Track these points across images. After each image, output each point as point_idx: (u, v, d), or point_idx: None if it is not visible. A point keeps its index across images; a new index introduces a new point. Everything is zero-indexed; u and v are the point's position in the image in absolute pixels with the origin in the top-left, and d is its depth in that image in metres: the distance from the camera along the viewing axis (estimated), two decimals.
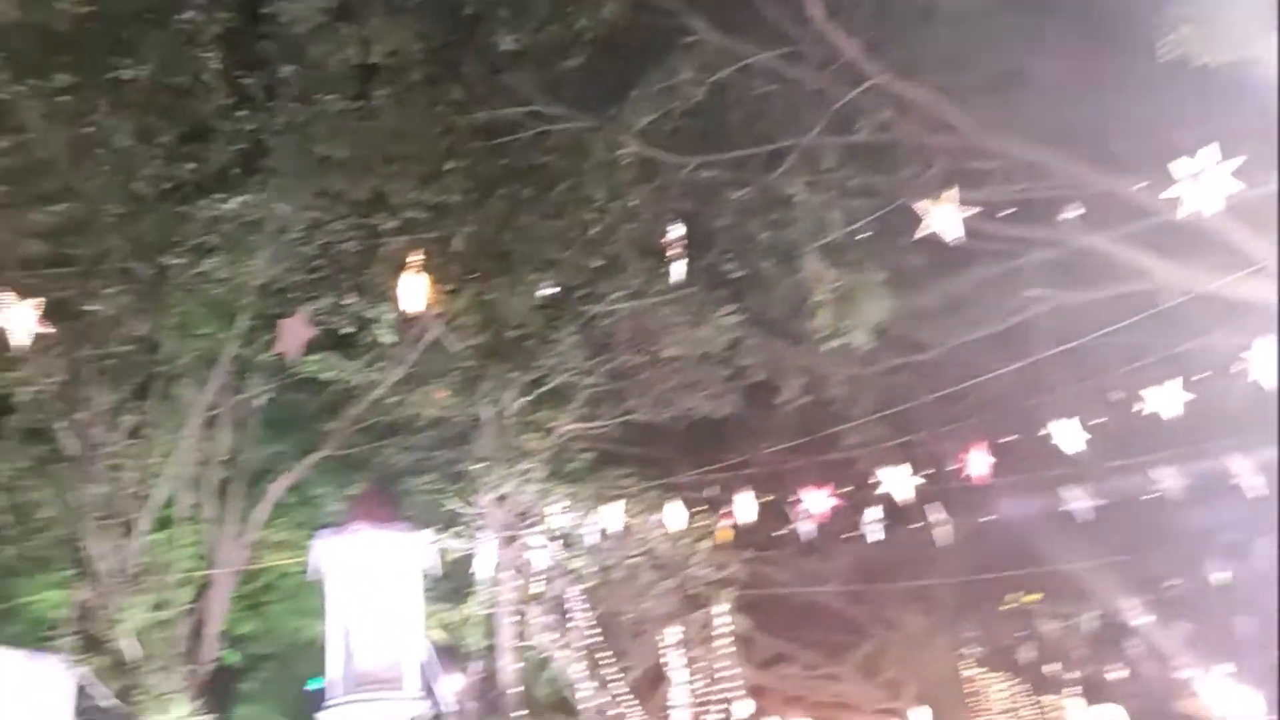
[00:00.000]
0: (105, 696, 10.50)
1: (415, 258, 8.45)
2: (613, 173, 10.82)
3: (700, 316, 12.26)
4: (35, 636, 10.88)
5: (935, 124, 9.32)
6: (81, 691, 10.46)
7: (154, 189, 9.83)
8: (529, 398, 12.83)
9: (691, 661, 17.75)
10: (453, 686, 13.69)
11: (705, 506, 12.84)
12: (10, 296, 7.68)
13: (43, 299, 7.76)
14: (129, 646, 10.53)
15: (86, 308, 9.81)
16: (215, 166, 10.12)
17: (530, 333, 12.16)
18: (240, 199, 10.13)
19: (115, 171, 9.64)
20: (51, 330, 7.94)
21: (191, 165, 9.96)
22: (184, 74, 9.60)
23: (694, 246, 10.25)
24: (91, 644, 10.51)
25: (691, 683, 17.94)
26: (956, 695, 22.75)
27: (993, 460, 10.42)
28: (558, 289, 11.87)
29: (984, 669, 23.40)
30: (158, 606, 10.84)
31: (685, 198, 10.99)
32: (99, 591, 10.64)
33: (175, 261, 10.11)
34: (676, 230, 9.93)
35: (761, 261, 11.55)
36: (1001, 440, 10.48)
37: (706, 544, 14.20)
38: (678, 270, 10.04)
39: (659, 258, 10.50)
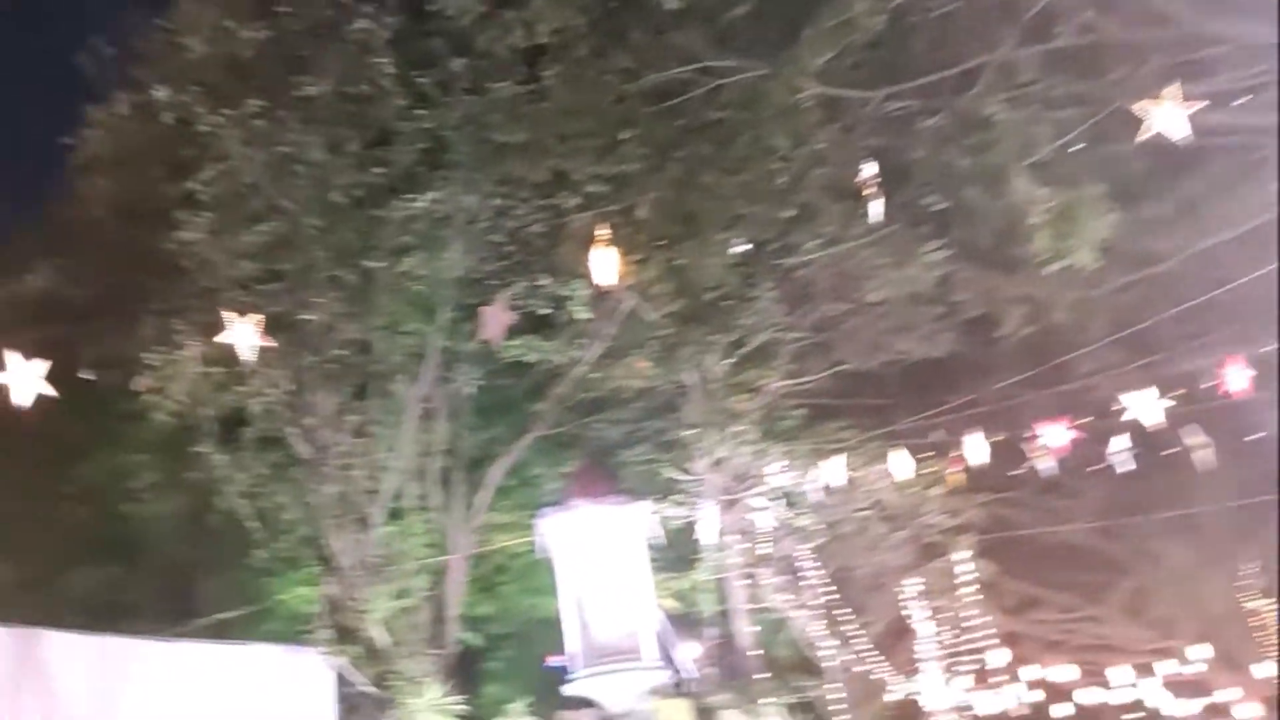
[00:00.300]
0: (363, 683, 11.42)
1: (602, 231, 8.74)
2: (794, 118, 10.71)
3: (904, 255, 12.05)
4: (292, 632, 11.91)
5: (1145, 17, 8.77)
6: (341, 680, 11.40)
7: (348, 197, 10.54)
8: (732, 359, 13.00)
9: (936, 612, 17.62)
10: (691, 653, 14.12)
11: (932, 452, 12.69)
12: (233, 316, 8.52)
13: (261, 315, 8.58)
14: (378, 635, 11.33)
15: (301, 318, 10.66)
16: (402, 168, 10.75)
17: (726, 293, 12.29)
18: (429, 196, 10.74)
19: (312, 185, 10.41)
20: (273, 343, 8.77)
21: (380, 169, 10.61)
22: (362, 82, 10.24)
23: (890, 183, 10.08)
24: (344, 634, 11.35)
25: (938, 634, 17.82)
26: (1241, 630, 21.54)
27: (1253, 373, 9.85)
28: (749, 245, 11.93)
29: (1270, 600, 22.03)
30: (399, 595, 11.62)
31: (875, 134, 10.76)
32: (344, 584, 11.53)
33: (376, 264, 10.83)
34: (869, 169, 9.81)
35: (965, 190, 11.20)
36: (1262, 349, 9.88)
37: (938, 490, 14.03)
38: (875, 210, 9.93)
39: (854, 200, 10.40)
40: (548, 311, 11.89)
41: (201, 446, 11.20)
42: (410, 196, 10.71)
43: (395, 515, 12.07)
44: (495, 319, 9.54)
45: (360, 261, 10.76)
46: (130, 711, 9.45)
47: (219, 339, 8.48)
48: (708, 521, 13.38)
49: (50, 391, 7.56)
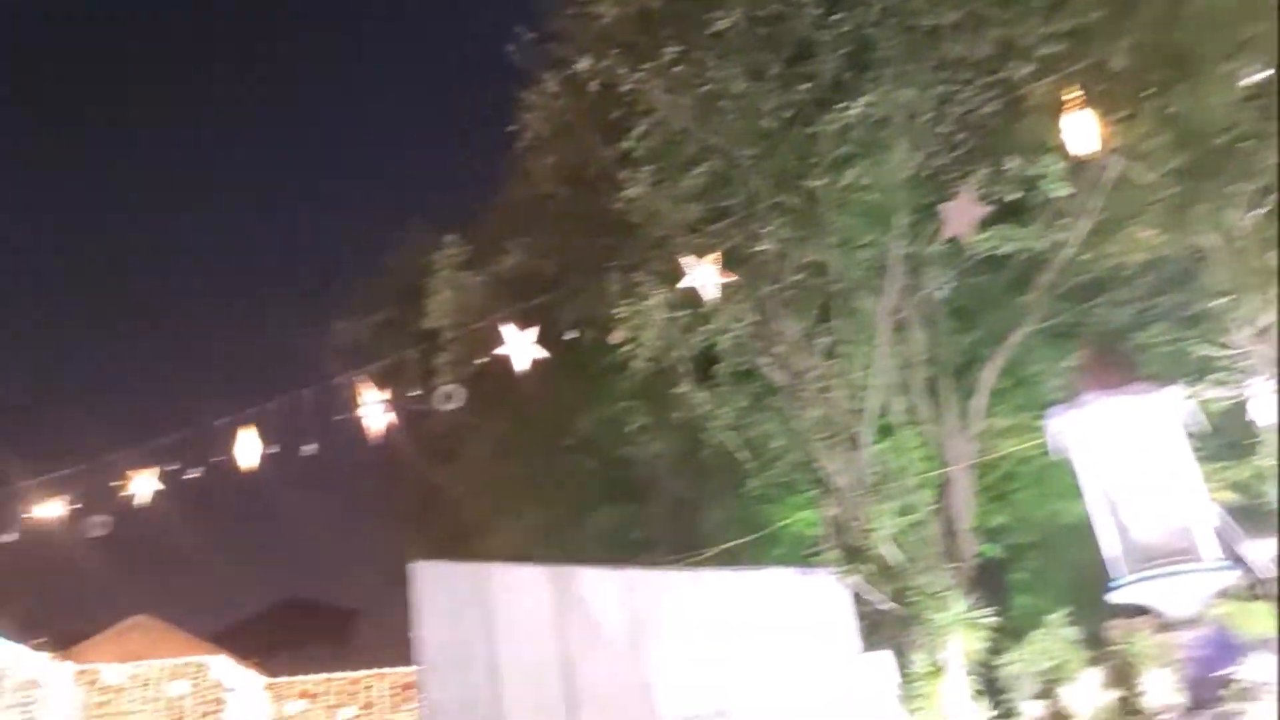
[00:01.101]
0: (881, 601, 12.61)
1: (1070, 95, 8.84)
2: None
3: None
4: (798, 555, 13.35)
5: None
6: (858, 598, 12.73)
7: (778, 121, 11.42)
8: (1264, 209, 12.16)
9: None
10: (1265, 550, 13.68)
11: None
12: (691, 259, 9.90)
13: (717, 253, 9.88)
14: (889, 552, 12.32)
15: (753, 250, 11.83)
16: (828, 79, 11.37)
17: (1242, 134, 11.51)
18: (862, 101, 11.28)
19: (740, 117, 11.44)
20: (732, 278, 10.04)
21: (805, 86, 11.34)
22: (772, 2, 11.00)
23: None
24: (852, 554, 12.49)
25: None
26: None
27: None
28: (1266, 72, 11.11)
29: None
30: (903, 511, 12.51)
31: None
32: (845, 505, 12.73)
33: (818, 183, 11.64)
34: None
35: None
36: None
37: None
38: None
39: None
40: (1018, 196, 11.90)
41: (681, 387, 12.94)
42: (842, 106, 11.29)
43: (885, 432, 12.97)
44: (961, 214, 9.90)
45: (801, 183, 11.64)
46: (662, 635, 11.55)
47: (680, 284, 9.88)
48: (1261, 399, 12.79)
49: (543, 354, 9.56)
